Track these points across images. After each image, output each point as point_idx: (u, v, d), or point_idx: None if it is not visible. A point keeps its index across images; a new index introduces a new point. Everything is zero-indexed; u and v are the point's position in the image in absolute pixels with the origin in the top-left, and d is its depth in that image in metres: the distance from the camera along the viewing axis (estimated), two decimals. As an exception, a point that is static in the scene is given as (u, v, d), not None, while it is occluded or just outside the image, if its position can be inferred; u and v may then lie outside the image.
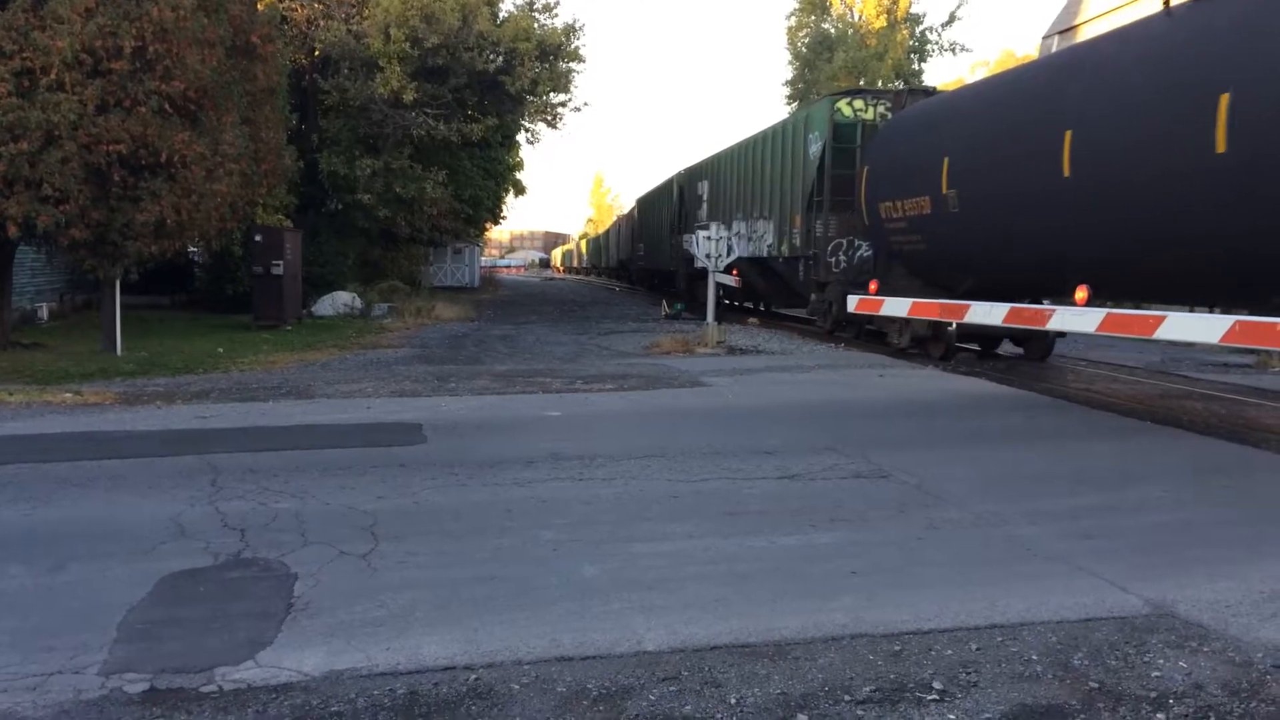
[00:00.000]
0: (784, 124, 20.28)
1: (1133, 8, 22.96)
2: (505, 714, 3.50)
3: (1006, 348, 16.15)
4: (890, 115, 16.11)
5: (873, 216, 14.92)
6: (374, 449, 7.97)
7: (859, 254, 17.22)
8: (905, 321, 15.19)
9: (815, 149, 17.72)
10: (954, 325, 13.97)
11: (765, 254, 20.53)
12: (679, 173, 30.25)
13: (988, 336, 15.39)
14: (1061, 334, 14.10)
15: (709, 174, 25.95)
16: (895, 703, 3.59)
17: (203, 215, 14.27)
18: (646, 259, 38.78)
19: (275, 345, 16.43)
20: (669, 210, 31.61)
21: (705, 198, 26.12)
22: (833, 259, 17.42)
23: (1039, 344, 15.15)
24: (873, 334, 17.50)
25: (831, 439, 8.40)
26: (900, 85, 32.25)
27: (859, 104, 17.34)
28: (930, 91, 16.88)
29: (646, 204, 39.40)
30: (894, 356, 15.45)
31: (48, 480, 6.81)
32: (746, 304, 27.37)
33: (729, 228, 21.99)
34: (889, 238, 14.52)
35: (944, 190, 12.34)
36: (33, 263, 19.72)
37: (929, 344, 15.26)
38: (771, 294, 23.12)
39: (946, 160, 12.32)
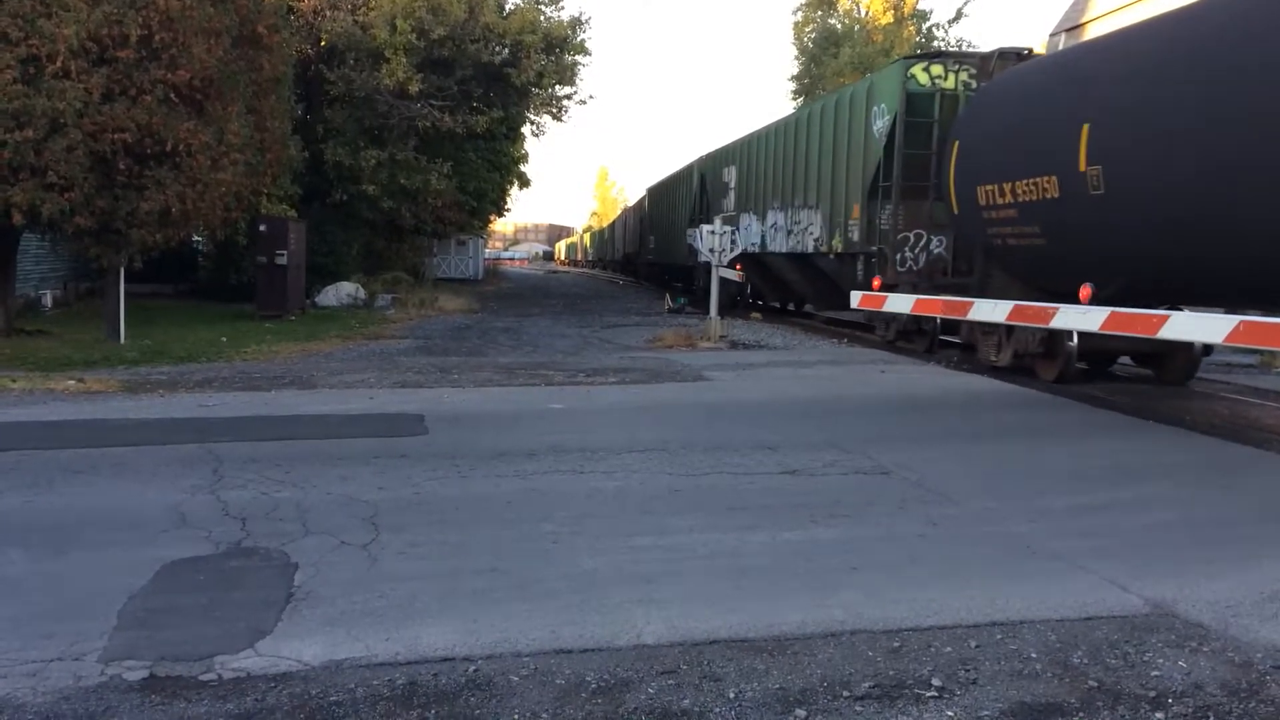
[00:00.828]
0: (838, 96, 17.50)
1: (1140, 6, 22.87)
2: (504, 705, 3.50)
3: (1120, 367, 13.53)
4: (976, 84, 13.77)
5: (965, 204, 12.25)
6: (376, 439, 7.97)
7: (931, 250, 14.62)
8: (1006, 332, 12.56)
9: (881, 125, 15.08)
10: (1074, 340, 11.57)
11: (811, 249, 17.98)
12: (700, 158, 28.00)
13: (1101, 354, 12.57)
14: (1208, 351, 12.22)
15: (738, 159, 23.44)
16: (894, 699, 3.59)
17: (207, 204, 14.27)
18: (658, 253, 36.35)
19: (278, 335, 16.44)
20: (687, 200, 29.35)
21: (733, 185, 23.71)
22: (898, 256, 14.75)
23: (1175, 363, 12.14)
24: (953, 345, 15.00)
25: (833, 435, 8.40)
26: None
27: (937, 70, 14.60)
28: (1024, 54, 13.90)
29: (659, 194, 36.80)
30: (894, 352, 15.43)
31: (50, 467, 6.82)
32: (762, 304, 25.82)
33: (763, 219, 20.38)
34: (987, 230, 11.87)
35: (1081, 167, 9.79)
36: (37, 250, 19.73)
37: (1039, 362, 12.42)
38: (815, 295, 20.75)
39: (1087, 128, 9.75)
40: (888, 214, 14.97)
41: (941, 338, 15.43)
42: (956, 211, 12.69)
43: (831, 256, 17.12)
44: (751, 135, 22.64)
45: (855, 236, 15.92)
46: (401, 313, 22.35)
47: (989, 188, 11.59)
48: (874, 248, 15.31)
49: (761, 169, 21.34)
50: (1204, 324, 7.75)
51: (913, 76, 14.49)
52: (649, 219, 39.29)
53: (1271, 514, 6.23)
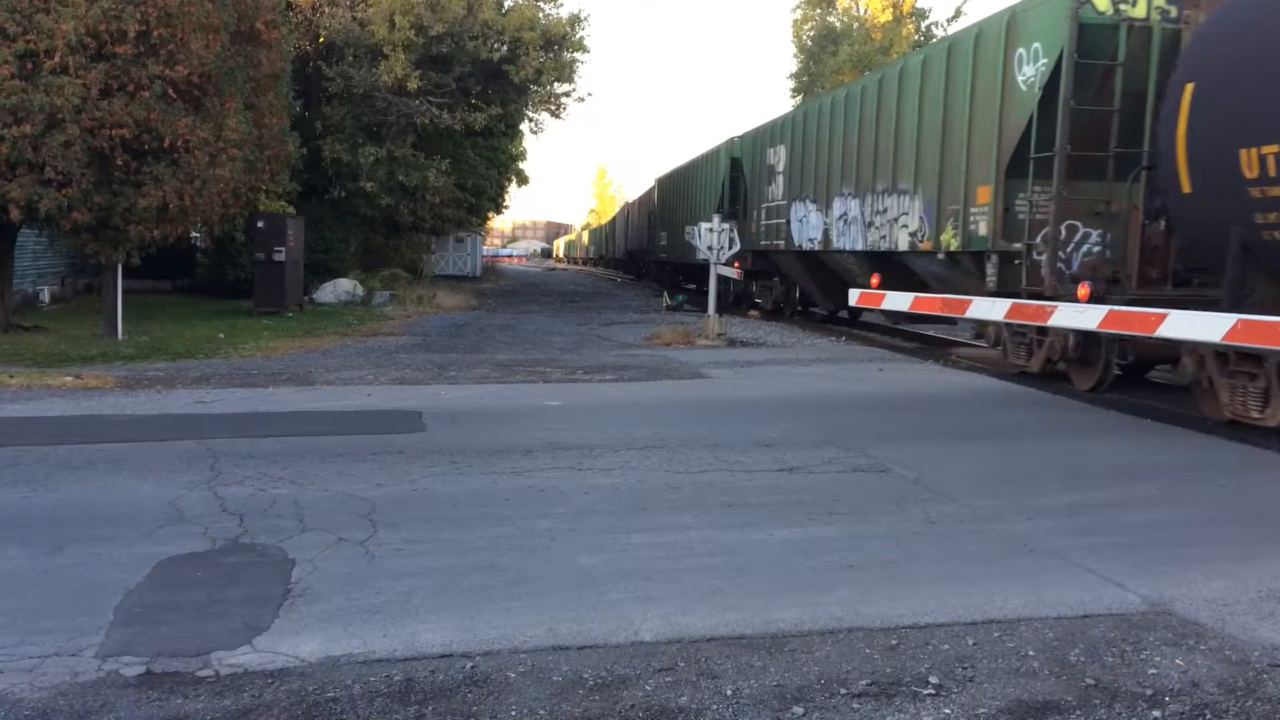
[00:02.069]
0: (953, 41, 13.35)
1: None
2: (501, 702, 3.50)
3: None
4: (1179, 10, 10.37)
5: (1210, 178, 8.54)
6: (373, 436, 7.97)
7: (1090, 248, 11.00)
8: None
9: (1032, 72, 11.08)
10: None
11: (903, 246, 14.08)
12: (731, 140, 23.96)
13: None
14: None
15: (789, 136, 19.25)
16: (891, 696, 3.59)
17: (205, 201, 14.27)
18: (671, 250, 31.85)
19: (276, 331, 16.42)
20: (710, 190, 25.30)
21: (781, 169, 19.68)
22: (1042, 255, 10.94)
23: None
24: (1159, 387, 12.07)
25: (830, 432, 8.40)
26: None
27: None
28: None
29: (671, 185, 32.64)
30: (893, 350, 15.43)
31: (47, 463, 6.81)
32: (812, 313, 21.52)
33: (826, 209, 16.85)
34: (1253, 215, 8.13)
35: None
36: (35, 246, 19.72)
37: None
38: None
39: None
40: (1042, 197, 11.03)
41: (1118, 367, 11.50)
42: (1188, 190, 8.87)
43: (941, 256, 13.03)
44: (809, 105, 19.28)
45: (982, 229, 11.90)
46: (399, 310, 22.34)
47: (1265, 151, 7.84)
48: (1015, 245, 11.35)
49: (825, 146, 17.19)
50: (1202, 322, 7.74)
51: (1088, 2, 10.51)
52: (659, 213, 35.32)
53: (1269, 513, 6.24)
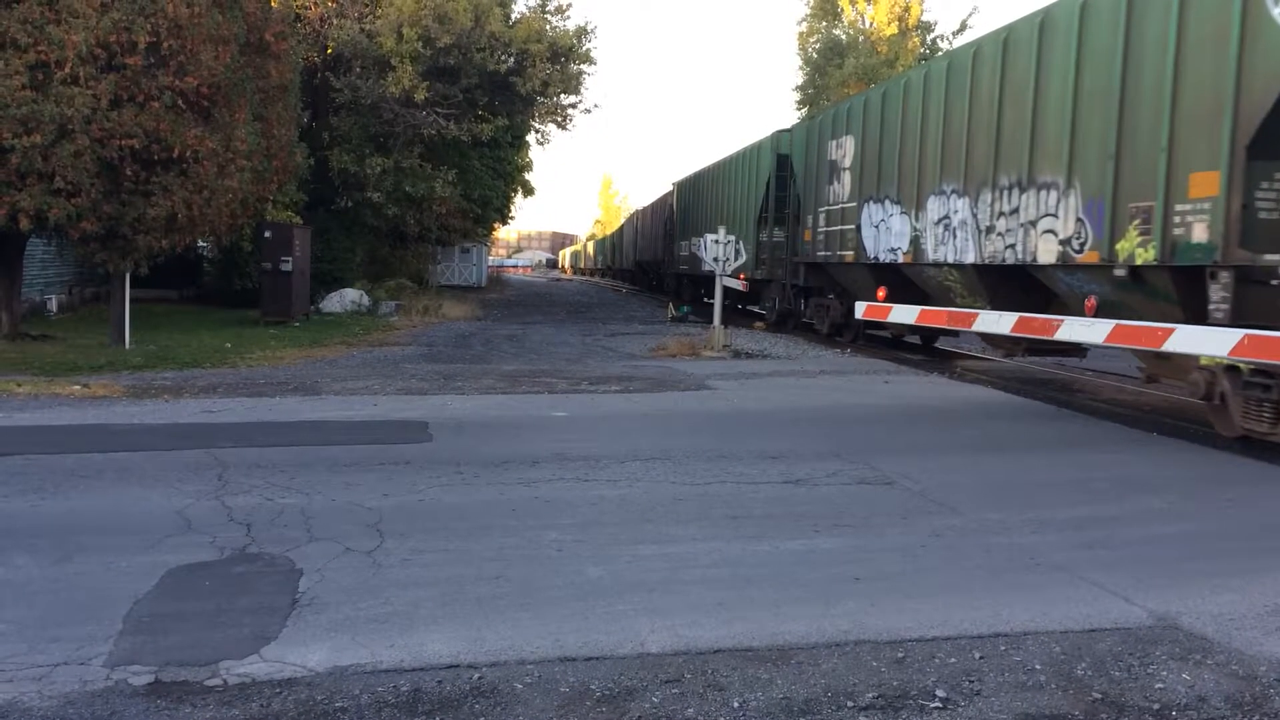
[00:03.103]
0: None
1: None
2: (508, 713, 3.51)
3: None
4: None
5: None
6: (380, 446, 7.98)
7: None
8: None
9: None
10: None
11: (1050, 259, 10.67)
12: (777, 134, 20.60)
13: None
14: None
15: (857, 125, 16.05)
16: (898, 710, 3.60)
17: (213, 211, 14.33)
18: (695, 262, 26.86)
19: (283, 341, 16.46)
20: (750, 192, 22.04)
21: (847, 164, 16.40)
22: None
23: None
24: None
25: (836, 444, 8.40)
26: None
27: None
28: None
29: (695, 188, 29.21)
30: (899, 363, 15.43)
31: (55, 472, 6.83)
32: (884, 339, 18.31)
33: (915, 212, 13.68)
34: None
35: None
36: (43, 255, 19.80)
37: (1213, 413, 9.21)
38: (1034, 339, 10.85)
39: None
40: None
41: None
42: None
43: (1120, 272, 9.56)
44: (888, 84, 15.52)
45: (1199, 234, 8.54)
46: (405, 319, 22.38)
47: None
48: (1268, 257, 8.05)
49: (915, 133, 13.88)
50: (1208, 337, 7.73)
51: None
52: (679, 221, 31.58)
53: (1275, 528, 6.23)
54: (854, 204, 16.12)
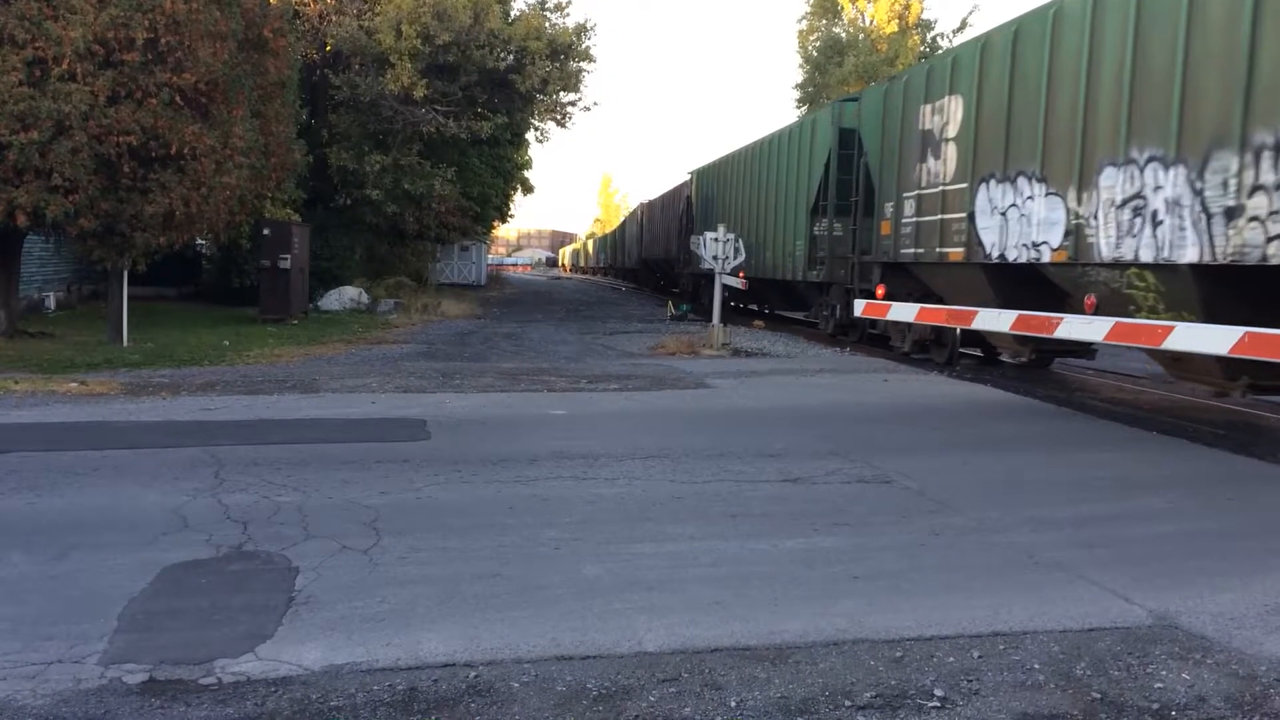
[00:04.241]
0: None
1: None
2: (504, 712, 3.49)
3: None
4: None
5: None
6: (378, 444, 7.96)
7: None
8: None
9: None
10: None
11: None
12: (837, 105, 17.64)
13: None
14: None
15: (968, 80, 12.22)
16: (896, 709, 3.58)
17: (211, 208, 14.30)
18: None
19: (281, 339, 16.44)
20: (797, 178, 19.09)
21: (954, 133, 12.63)
22: None
23: None
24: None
25: (835, 443, 8.38)
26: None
27: None
28: None
29: (721, 177, 25.84)
30: (898, 360, 15.41)
31: (51, 469, 6.81)
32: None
33: (1071, 191, 10.12)
34: None
35: None
36: (41, 252, 19.77)
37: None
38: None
39: None
40: None
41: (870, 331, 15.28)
42: None
43: None
44: (1026, 18, 11.22)
45: None
46: (404, 318, 22.36)
47: None
48: None
49: (1075, 80, 10.14)
50: (1209, 335, 7.72)
51: None
52: (700, 214, 28.14)
53: (1275, 526, 6.21)
54: (962, 185, 12.32)
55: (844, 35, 43.72)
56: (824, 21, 44.43)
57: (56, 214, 12.69)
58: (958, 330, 13.92)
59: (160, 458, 7.28)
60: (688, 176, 30.42)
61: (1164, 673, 3.93)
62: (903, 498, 6.65)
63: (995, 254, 11.58)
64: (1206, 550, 5.59)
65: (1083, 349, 12.46)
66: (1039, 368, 14.71)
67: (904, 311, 12.03)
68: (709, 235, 17.96)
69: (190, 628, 4.13)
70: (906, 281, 14.47)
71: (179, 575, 4.75)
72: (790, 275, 19.74)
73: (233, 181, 14.46)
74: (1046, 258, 10.56)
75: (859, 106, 16.44)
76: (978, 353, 15.47)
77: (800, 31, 45.32)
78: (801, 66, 45.10)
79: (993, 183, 11.71)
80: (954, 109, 12.73)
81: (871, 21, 43.50)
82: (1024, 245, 10.98)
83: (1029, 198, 10.94)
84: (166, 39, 13.09)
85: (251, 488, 6.39)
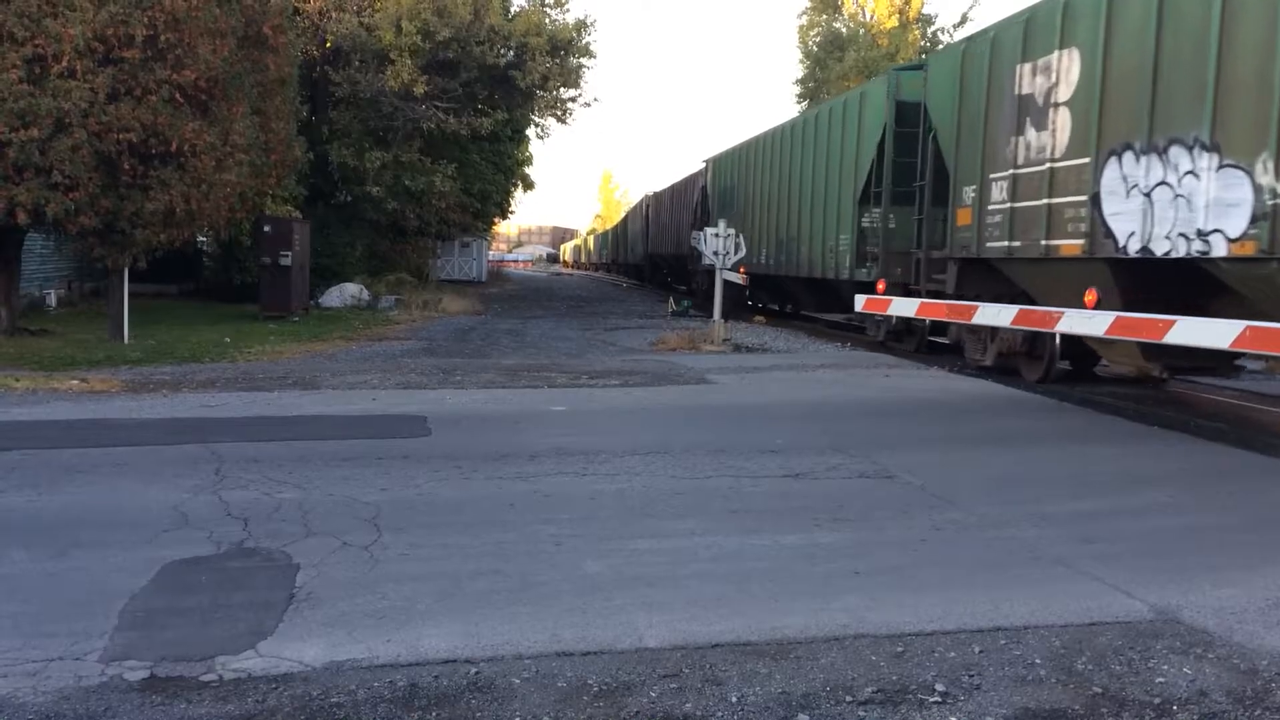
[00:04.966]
0: None
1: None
2: (505, 708, 3.49)
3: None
4: None
5: None
6: (378, 440, 7.96)
7: None
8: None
9: None
10: (1057, 341, 11.14)
11: None
12: (894, 73, 15.62)
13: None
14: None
15: (1089, 28, 9.91)
16: (897, 704, 3.57)
17: (212, 205, 14.30)
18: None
19: (282, 336, 16.44)
20: (846, 160, 16.55)
21: (1065, 96, 10.26)
22: None
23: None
24: (942, 347, 14.68)
25: (836, 438, 8.38)
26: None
27: None
28: None
29: (742, 165, 23.41)
30: (899, 356, 15.40)
31: (52, 467, 6.81)
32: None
33: (1265, 160, 7.73)
34: None
35: None
36: (41, 249, 19.78)
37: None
38: None
39: None
40: None
41: (930, 339, 15.11)
42: None
43: None
44: None
45: None
46: (405, 314, 22.36)
47: None
48: None
49: (1268, 12, 7.84)
50: (1210, 329, 7.70)
51: None
52: (715, 205, 25.89)
53: (1276, 520, 6.20)
54: (1081, 161, 10.00)
55: (844, 30, 43.66)
56: (824, 17, 44.36)
57: (57, 211, 12.69)
58: (1056, 338, 11.72)
59: (161, 455, 7.28)
60: (702, 165, 28.27)
61: (1165, 667, 3.93)
62: (904, 493, 6.64)
63: (1134, 247, 9.11)
64: (1208, 544, 5.59)
65: (1221, 364, 10.66)
66: (1153, 386, 12.36)
67: (905, 307, 11.97)
68: (709, 231, 17.94)
69: (191, 625, 4.13)
70: (992, 281, 12.02)
71: (180, 572, 4.75)
72: (831, 274, 17.27)
73: (233, 178, 14.45)
74: (1220, 251, 8.16)
75: (925, 75, 13.94)
76: (1067, 365, 13.00)
77: (801, 27, 45.28)
78: (802, 62, 45.05)
79: (1129, 155, 9.34)
80: (1066, 66, 10.30)
81: (872, 16, 43.44)
82: (1181, 235, 8.58)
83: (1189, 173, 8.58)
84: (166, 36, 13.08)
85: (252, 484, 6.39)
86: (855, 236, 16.10)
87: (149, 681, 3.62)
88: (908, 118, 14.71)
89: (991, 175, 11.59)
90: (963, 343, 13.58)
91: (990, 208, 11.61)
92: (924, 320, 14.43)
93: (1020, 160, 10.99)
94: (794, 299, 22.90)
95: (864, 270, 15.85)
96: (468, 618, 4.27)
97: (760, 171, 22.08)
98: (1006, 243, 11.28)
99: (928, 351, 15.40)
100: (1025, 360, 12.64)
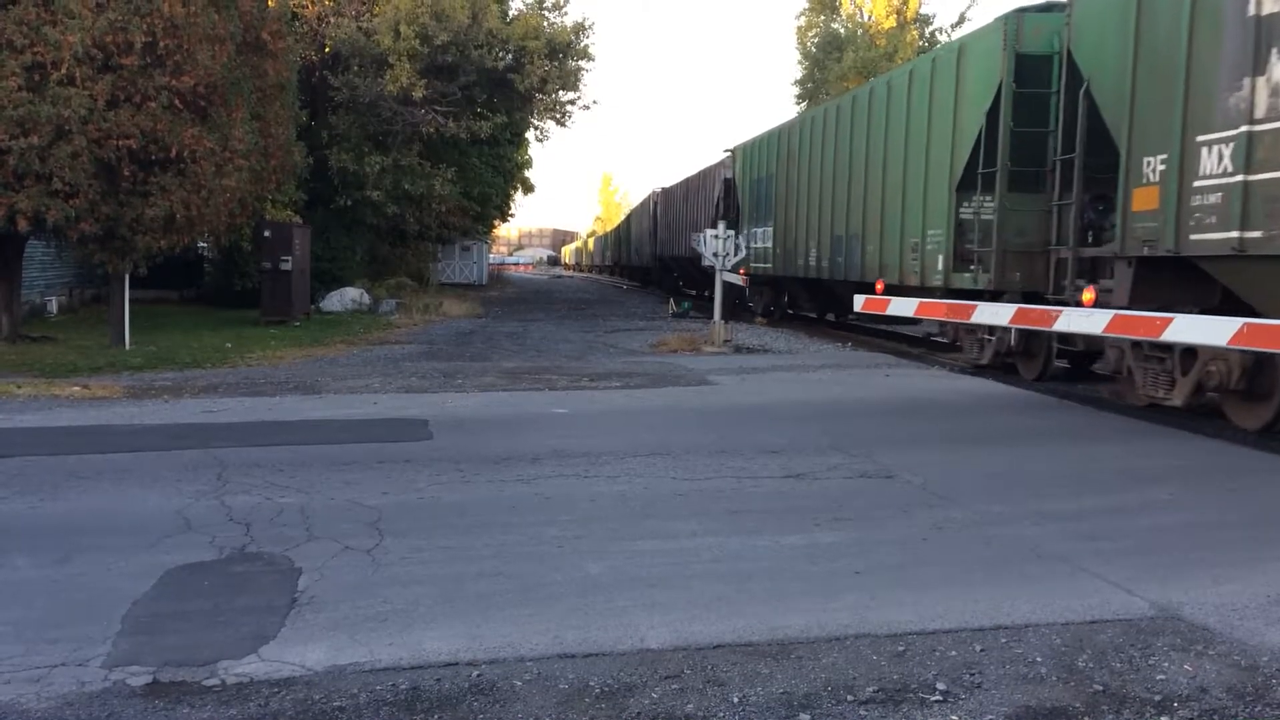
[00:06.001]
0: None
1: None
2: (507, 710, 3.49)
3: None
4: None
5: None
6: (380, 444, 7.97)
7: None
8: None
9: None
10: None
11: None
12: (1014, 14, 11.72)
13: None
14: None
15: None
16: (899, 703, 3.58)
17: (212, 210, 14.31)
18: (785, 258, 19.52)
19: (283, 340, 16.45)
20: (935, 138, 13.27)
21: None
22: None
23: None
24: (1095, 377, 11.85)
25: (836, 438, 8.38)
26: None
27: None
28: None
29: (784, 150, 20.05)
30: (899, 355, 15.40)
31: (54, 473, 6.83)
32: None
33: None
34: None
35: None
36: (42, 256, 19.80)
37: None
38: None
39: None
40: None
41: (1057, 363, 11.55)
42: None
43: None
44: None
45: None
46: (406, 318, 22.36)
47: None
48: None
49: None
50: (1208, 326, 7.70)
51: None
52: (746, 200, 22.96)
53: (1276, 517, 6.21)
54: None
55: (842, 31, 43.73)
56: (822, 17, 44.45)
57: (57, 218, 12.71)
58: (859, 308, 10.76)
59: (163, 460, 7.29)
60: (725, 155, 24.99)
61: (1166, 664, 3.94)
62: (905, 492, 6.65)
63: None
64: (1208, 541, 5.59)
65: None
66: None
67: (904, 306, 11.94)
68: (709, 232, 17.90)
69: (194, 629, 4.14)
70: (1193, 287, 9.06)
71: (182, 577, 4.76)
72: (915, 279, 13.80)
73: (233, 184, 14.46)
74: None
75: (1070, 12, 10.60)
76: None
77: (799, 28, 45.42)
78: (800, 63, 45.14)
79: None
80: None
81: (870, 17, 43.50)
82: None
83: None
84: (165, 42, 13.10)
85: (254, 489, 6.40)
86: (951, 232, 12.76)
87: (152, 687, 3.63)
88: (1033, 76, 11.56)
89: (1201, 137, 8.37)
90: (1129, 373, 10.25)
91: (1199, 184, 8.40)
92: (1052, 335, 11.10)
93: (1258, 114, 7.78)
94: (847, 305, 17.05)
95: (967, 275, 12.53)
96: (470, 620, 4.27)
97: (804, 158, 18.62)
98: (1232, 233, 8.01)
99: (1065, 381, 12.31)
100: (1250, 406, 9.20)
